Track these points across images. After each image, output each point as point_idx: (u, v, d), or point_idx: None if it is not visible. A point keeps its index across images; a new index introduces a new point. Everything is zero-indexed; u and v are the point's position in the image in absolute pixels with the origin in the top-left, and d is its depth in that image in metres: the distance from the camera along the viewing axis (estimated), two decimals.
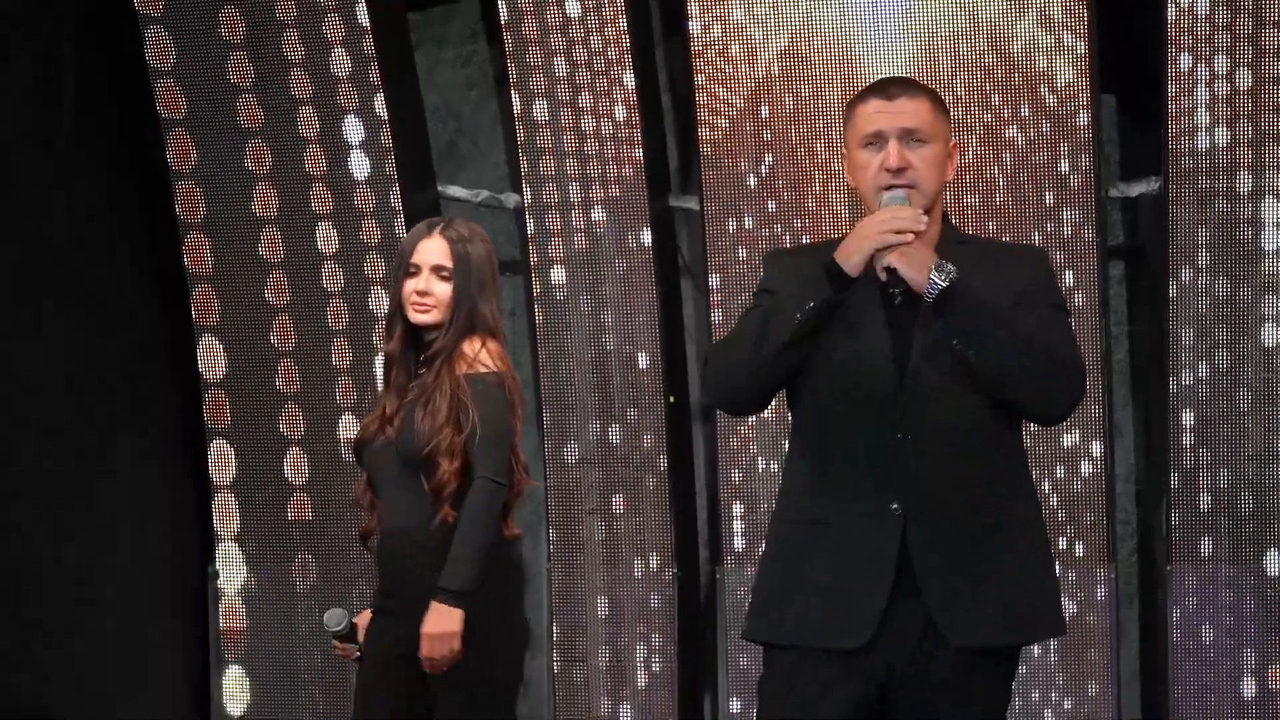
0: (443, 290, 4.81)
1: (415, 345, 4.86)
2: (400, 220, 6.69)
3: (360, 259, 6.70)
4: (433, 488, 4.70)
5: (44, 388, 6.40)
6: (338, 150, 6.68)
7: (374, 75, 6.66)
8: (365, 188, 6.70)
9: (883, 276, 3.67)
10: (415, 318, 4.82)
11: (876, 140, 3.76)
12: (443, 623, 4.62)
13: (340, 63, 6.66)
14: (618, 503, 6.81)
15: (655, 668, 6.77)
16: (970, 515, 3.70)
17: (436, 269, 4.82)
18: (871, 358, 3.73)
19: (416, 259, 4.83)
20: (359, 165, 6.70)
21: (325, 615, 4.84)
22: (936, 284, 3.62)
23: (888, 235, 3.64)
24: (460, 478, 4.70)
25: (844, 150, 3.85)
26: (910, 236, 3.65)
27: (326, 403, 6.67)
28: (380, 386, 4.97)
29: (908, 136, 3.75)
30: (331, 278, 6.68)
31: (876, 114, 3.77)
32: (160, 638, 6.75)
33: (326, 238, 6.69)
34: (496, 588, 4.72)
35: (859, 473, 3.72)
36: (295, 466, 6.67)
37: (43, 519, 6.39)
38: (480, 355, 4.75)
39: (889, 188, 3.74)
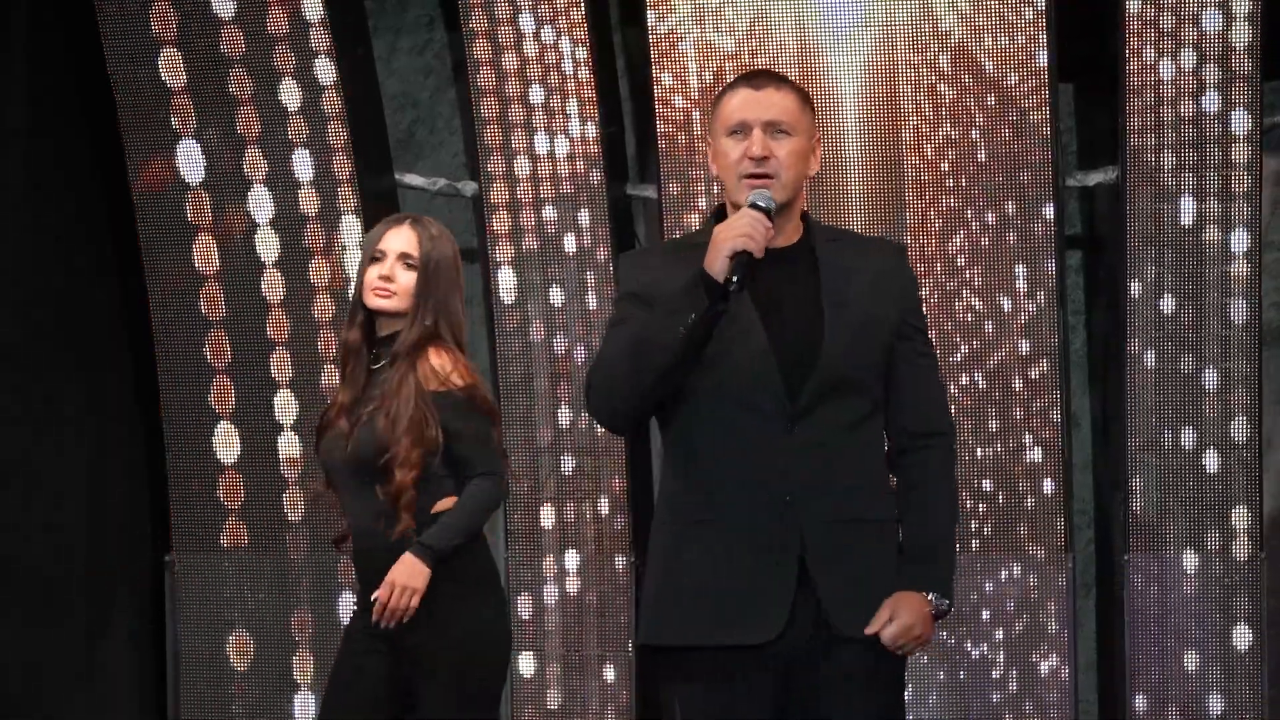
0: (406, 278, 4.78)
1: (372, 335, 4.84)
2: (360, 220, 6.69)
3: (303, 247, 6.68)
4: (390, 495, 4.67)
5: None
6: (285, 144, 6.64)
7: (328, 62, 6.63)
8: (310, 187, 6.67)
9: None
10: (374, 302, 4.78)
11: (741, 129, 3.80)
12: (410, 575, 4.62)
13: (293, 48, 6.60)
14: (575, 492, 6.79)
15: (611, 657, 6.76)
16: (850, 507, 3.76)
17: (402, 256, 4.79)
18: (749, 348, 3.74)
19: (383, 245, 4.81)
20: (303, 161, 6.65)
21: None
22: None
23: (738, 240, 3.67)
24: (417, 489, 4.68)
25: (708, 139, 3.89)
26: (762, 230, 3.68)
27: (267, 420, 6.69)
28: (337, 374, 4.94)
29: (771, 128, 3.79)
30: (275, 280, 6.70)
31: (743, 104, 3.81)
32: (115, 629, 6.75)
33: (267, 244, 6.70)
34: (492, 588, 4.77)
35: (747, 467, 3.74)
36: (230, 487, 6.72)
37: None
38: (451, 376, 4.73)
39: (750, 175, 3.78)
